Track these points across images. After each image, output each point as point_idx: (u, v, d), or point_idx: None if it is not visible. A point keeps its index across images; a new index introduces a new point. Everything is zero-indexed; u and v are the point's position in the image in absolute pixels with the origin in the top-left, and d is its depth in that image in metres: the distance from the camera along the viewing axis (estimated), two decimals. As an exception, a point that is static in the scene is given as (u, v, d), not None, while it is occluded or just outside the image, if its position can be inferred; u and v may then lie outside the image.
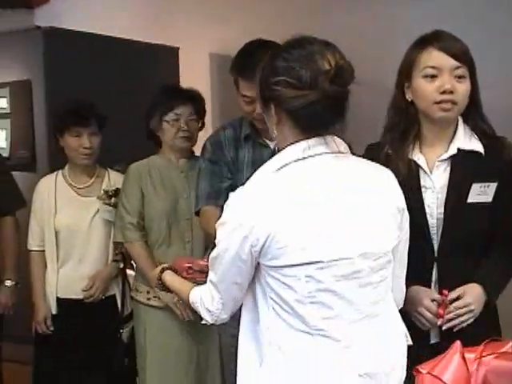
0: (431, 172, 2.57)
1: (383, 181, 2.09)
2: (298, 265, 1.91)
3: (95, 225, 3.65)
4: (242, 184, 2.07)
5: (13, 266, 3.81)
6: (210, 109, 5.86)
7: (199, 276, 2.49)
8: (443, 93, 2.46)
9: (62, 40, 5.15)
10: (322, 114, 1.94)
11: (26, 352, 3.87)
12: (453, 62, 2.48)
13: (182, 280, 2.49)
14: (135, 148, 3.74)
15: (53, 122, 3.74)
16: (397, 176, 2.17)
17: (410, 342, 2.18)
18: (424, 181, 2.57)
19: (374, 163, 2.15)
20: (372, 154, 2.56)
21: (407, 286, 2.31)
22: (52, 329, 3.66)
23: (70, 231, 3.64)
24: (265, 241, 1.92)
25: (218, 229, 2.03)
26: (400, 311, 2.19)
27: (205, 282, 2.19)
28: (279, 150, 2.04)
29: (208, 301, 2.13)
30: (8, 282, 3.78)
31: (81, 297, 3.65)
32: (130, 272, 3.78)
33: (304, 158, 1.97)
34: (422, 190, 2.56)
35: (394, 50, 2.75)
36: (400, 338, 2.12)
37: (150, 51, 5.78)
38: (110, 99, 5.17)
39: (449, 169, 2.56)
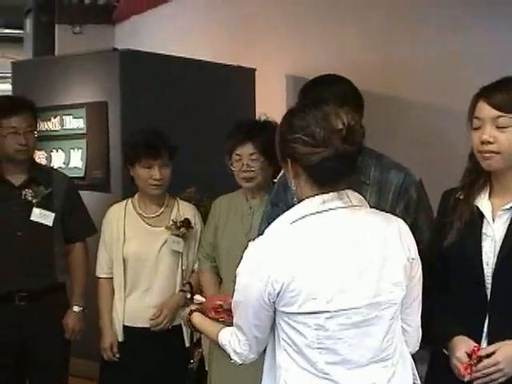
0: (493, 221, 2.50)
1: (394, 233, 2.17)
2: (308, 313, 2.05)
3: (163, 255, 3.62)
4: None
5: (81, 291, 3.83)
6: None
7: (226, 316, 2.53)
8: (482, 143, 2.46)
9: (138, 62, 5.21)
10: (334, 169, 2.09)
11: (94, 368, 3.89)
12: (493, 112, 2.45)
13: (210, 322, 2.56)
14: (209, 171, 3.71)
15: (124, 152, 3.73)
16: (460, 220, 2.27)
17: (419, 382, 2.29)
18: (486, 229, 2.51)
19: (385, 214, 2.26)
20: (444, 197, 2.66)
21: (456, 333, 2.39)
22: (118, 356, 3.65)
23: (138, 260, 3.62)
24: (280, 289, 2.06)
25: (237, 276, 2.18)
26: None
27: (231, 322, 2.31)
28: (298, 202, 2.16)
29: (235, 343, 2.26)
30: (76, 308, 3.80)
31: (147, 325, 3.63)
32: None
33: (319, 212, 2.10)
34: (483, 237, 2.50)
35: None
36: (408, 377, 2.22)
37: (227, 73, 5.79)
38: (186, 121, 5.21)
39: (510, 219, 2.49)
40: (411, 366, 2.26)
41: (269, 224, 3.08)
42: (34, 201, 3.69)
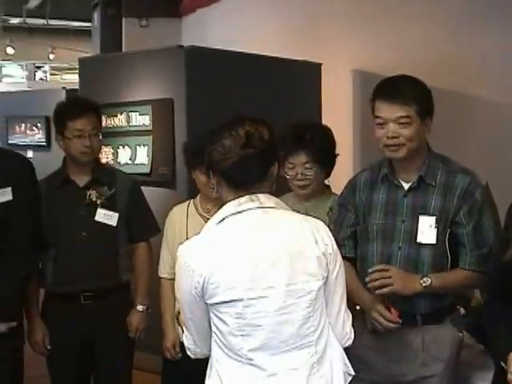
0: None
1: (307, 230, 2.42)
2: (227, 302, 2.31)
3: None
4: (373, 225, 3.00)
5: (145, 291, 3.85)
6: (351, 125, 5.84)
7: None
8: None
9: (203, 59, 5.19)
10: (243, 172, 2.40)
11: (158, 362, 3.90)
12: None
13: None
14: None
15: (184, 157, 3.72)
16: None
17: (352, 373, 2.49)
18: None
19: (300, 215, 2.55)
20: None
21: None
22: (180, 355, 3.66)
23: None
24: (203, 282, 2.32)
25: (176, 274, 2.45)
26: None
27: None
28: (220, 206, 2.46)
29: (185, 339, 2.55)
30: (140, 307, 3.82)
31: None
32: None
33: (235, 213, 2.39)
34: None
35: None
36: (338, 366, 2.44)
37: (292, 67, 5.75)
38: (252, 116, 5.17)
39: None
40: (341, 355, 2.46)
41: (336, 226, 3.13)
42: (98, 201, 3.72)
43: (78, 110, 3.70)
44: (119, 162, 5.48)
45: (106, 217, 3.73)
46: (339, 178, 3.55)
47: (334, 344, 2.45)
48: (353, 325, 2.56)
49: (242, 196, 2.41)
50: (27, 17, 15.48)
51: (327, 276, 2.42)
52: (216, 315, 2.36)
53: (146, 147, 5.34)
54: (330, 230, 2.96)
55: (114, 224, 3.75)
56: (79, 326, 3.68)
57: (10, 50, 15.08)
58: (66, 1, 13.31)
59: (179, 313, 2.71)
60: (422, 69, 4.94)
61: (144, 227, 3.88)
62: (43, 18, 15.33)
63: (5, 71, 19.06)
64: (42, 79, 19.43)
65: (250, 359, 2.33)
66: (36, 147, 10.06)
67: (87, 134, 3.67)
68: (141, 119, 5.37)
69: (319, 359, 2.39)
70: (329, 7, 6.33)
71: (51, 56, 16.00)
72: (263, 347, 2.33)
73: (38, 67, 19.20)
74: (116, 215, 3.75)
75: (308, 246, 2.39)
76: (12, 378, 3.47)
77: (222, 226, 2.40)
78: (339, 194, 3.34)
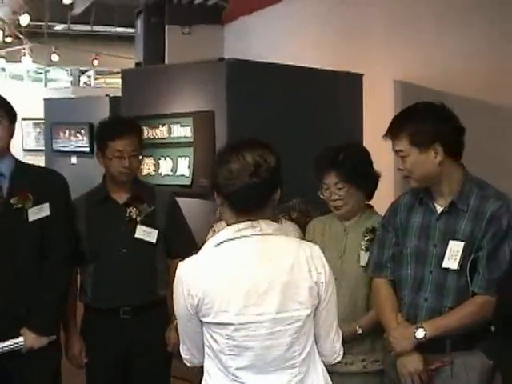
0: None
1: (302, 258, 2.49)
2: (219, 323, 2.44)
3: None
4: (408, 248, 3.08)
5: None
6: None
7: None
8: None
9: (244, 71, 5.21)
10: (246, 198, 2.47)
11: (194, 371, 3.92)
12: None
13: None
14: (314, 181, 3.64)
15: None
16: None
17: None
18: None
19: (299, 241, 2.64)
20: None
21: None
22: None
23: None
24: (198, 301, 2.44)
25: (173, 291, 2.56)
26: None
27: None
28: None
29: (181, 350, 2.66)
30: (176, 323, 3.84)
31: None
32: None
33: (234, 238, 2.47)
34: None
35: None
36: None
37: (334, 79, 5.73)
38: (292, 129, 5.18)
39: None
40: (323, 374, 2.59)
41: (378, 248, 3.13)
42: (138, 218, 3.76)
43: (120, 131, 3.71)
44: (160, 174, 5.51)
45: (146, 234, 3.77)
46: (380, 192, 3.55)
47: (318, 365, 2.60)
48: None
49: (242, 221, 2.49)
50: (72, 23, 15.66)
51: (318, 303, 2.53)
52: (208, 333, 2.50)
53: (187, 159, 5.37)
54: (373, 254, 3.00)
55: (154, 241, 3.78)
56: (118, 340, 3.72)
57: (54, 57, 15.24)
58: (110, 8, 13.43)
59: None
60: (464, 80, 4.91)
61: (182, 244, 3.89)
62: (88, 24, 15.48)
63: (50, 76, 19.27)
64: (86, 83, 19.61)
65: (237, 377, 2.47)
66: (79, 153, 10.16)
67: (127, 155, 3.69)
68: (182, 131, 5.40)
69: (302, 379, 2.52)
70: (370, 18, 6.31)
71: (95, 62, 16.14)
72: (250, 367, 2.47)
73: (83, 72, 19.38)
74: (155, 232, 3.78)
75: (301, 275, 2.48)
76: None
77: (220, 249, 2.49)
78: (383, 214, 3.35)
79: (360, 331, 3.35)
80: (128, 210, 3.75)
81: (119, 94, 6.48)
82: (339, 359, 2.69)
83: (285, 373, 2.49)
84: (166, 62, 9.09)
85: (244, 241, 2.48)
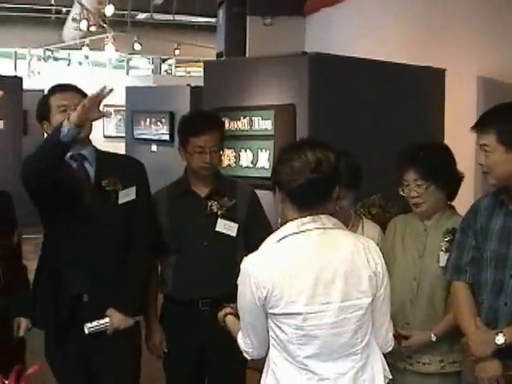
0: None
1: (361, 250, 2.64)
2: (288, 314, 2.55)
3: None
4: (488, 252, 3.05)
5: None
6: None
7: None
8: None
9: (327, 65, 5.21)
10: (308, 194, 2.60)
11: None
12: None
13: (237, 323, 2.94)
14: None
15: None
16: None
17: (390, 376, 2.76)
18: None
19: (356, 235, 2.89)
20: None
21: None
22: None
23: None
24: (266, 293, 2.55)
25: (238, 285, 2.67)
26: None
27: None
28: (282, 224, 2.65)
29: (242, 343, 2.78)
30: None
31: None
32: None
33: (297, 232, 2.59)
34: None
35: None
36: (378, 371, 2.70)
37: (415, 74, 5.68)
38: (373, 124, 5.17)
39: None
40: (381, 361, 2.72)
41: (458, 251, 3.12)
42: (219, 212, 3.80)
43: (202, 127, 3.75)
44: (241, 165, 5.57)
45: (226, 227, 3.81)
46: (459, 193, 3.53)
47: (376, 351, 2.72)
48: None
49: (304, 216, 2.61)
50: (154, 12, 15.88)
51: (375, 293, 2.65)
52: (275, 324, 2.61)
53: (268, 151, 5.40)
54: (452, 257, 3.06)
55: (234, 234, 3.82)
56: (195, 332, 3.78)
57: (137, 46, 15.47)
58: (192, -3, 13.57)
59: (225, 315, 3.12)
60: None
61: (261, 238, 3.94)
62: (169, 13, 15.67)
63: (131, 63, 19.59)
64: (166, 72, 19.87)
65: (306, 365, 2.60)
66: (160, 142, 10.31)
67: (208, 150, 3.72)
68: (263, 124, 5.44)
69: (363, 365, 2.65)
70: (453, 12, 6.23)
71: (176, 52, 16.33)
72: (317, 355, 2.59)
73: (164, 60, 19.64)
74: (236, 226, 3.82)
75: (361, 265, 2.62)
76: (134, 370, 3.72)
77: (283, 243, 2.60)
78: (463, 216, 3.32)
79: (434, 339, 3.35)
80: (209, 204, 3.80)
81: (200, 83, 6.55)
82: (390, 349, 2.82)
83: (348, 359, 2.62)
84: (247, 52, 9.14)
85: (307, 234, 2.59)
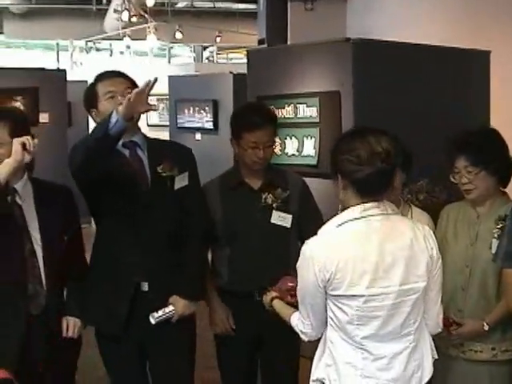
0: None
1: (420, 235, 2.75)
2: (350, 296, 2.66)
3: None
4: None
5: None
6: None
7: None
8: None
9: (371, 51, 5.19)
10: (375, 183, 2.69)
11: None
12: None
13: (286, 306, 3.16)
14: (442, 161, 3.63)
15: None
16: None
17: (436, 356, 2.88)
18: None
19: (412, 220, 3.01)
20: None
21: None
22: None
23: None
24: (330, 275, 2.66)
25: (298, 269, 2.79)
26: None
27: None
28: (343, 210, 2.75)
29: (300, 324, 2.88)
30: None
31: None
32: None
33: (360, 217, 2.69)
34: None
35: None
36: (427, 351, 2.83)
37: (460, 57, 5.62)
38: (418, 109, 5.15)
39: None
40: (429, 342, 2.85)
41: (508, 239, 3.12)
42: (274, 204, 3.82)
43: (256, 123, 3.74)
44: (286, 153, 5.57)
45: (281, 219, 3.83)
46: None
47: (426, 333, 2.85)
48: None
49: (366, 202, 2.71)
50: (194, 0, 15.92)
51: (429, 276, 2.77)
52: (336, 305, 2.72)
53: (313, 139, 5.40)
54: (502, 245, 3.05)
55: (288, 226, 3.84)
56: (251, 322, 3.82)
57: (178, 35, 15.54)
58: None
59: (272, 299, 3.25)
60: None
61: (314, 228, 3.96)
62: (210, 0, 15.69)
63: (173, 52, 19.67)
64: (208, 59, 19.91)
65: (362, 345, 2.72)
66: (203, 130, 10.36)
67: (262, 146, 3.73)
68: (308, 111, 5.44)
69: (414, 346, 2.78)
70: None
71: (218, 39, 16.36)
72: (374, 336, 2.71)
73: (205, 47, 19.67)
74: (290, 217, 3.84)
75: (419, 250, 2.74)
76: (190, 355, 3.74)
77: (344, 228, 2.71)
78: None
79: (487, 328, 3.35)
80: (263, 196, 3.81)
81: (242, 69, 6.56)
82: (440, 330, 2.96)
83: (402, 340, 2.75)
84: (289, 38, 9.11)
85: (369, 219, 2.70)
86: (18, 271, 3.43)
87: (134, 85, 3.53)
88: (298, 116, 5.50)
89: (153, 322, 3.45)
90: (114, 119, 3.12)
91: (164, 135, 10.95)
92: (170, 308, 3.51)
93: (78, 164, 3.33)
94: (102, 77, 3.62)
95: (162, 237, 3.54)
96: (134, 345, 3.59)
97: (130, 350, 3.59)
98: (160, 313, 3.46)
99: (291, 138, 5.58)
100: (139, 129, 3.65)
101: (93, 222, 3.76)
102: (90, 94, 3.60)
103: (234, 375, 3.97)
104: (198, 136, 10.44)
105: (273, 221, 3.82)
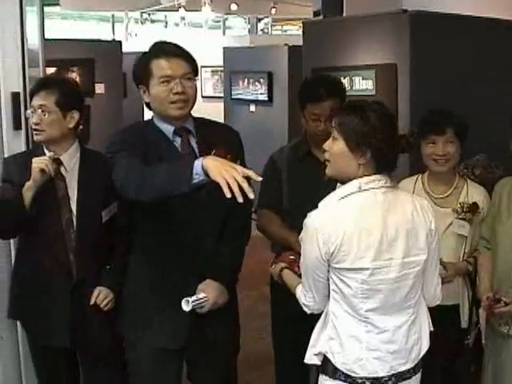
0: None
1: (417, 207, 2.79)
2: (355, 269, 2.67)
3: (447, 236, 3.62)
4: None
5: None
6: None
7: None
8: None
9: (428, 23, 5.12)
10: (395, 162, 2.76)
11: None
12: None
13: (295, 277, 3.10)
14: (497, 136, 3.59)
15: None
16: None
17: (431, 328, 2.91)
18: None
19: (411, 194, 3.06)
20: None
21: None
22: None
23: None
24: (334, 248, 2.66)
25: (301, 242, 2.80)
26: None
27: None
28: (343, 183, 2.76)
29: (302, 297, 2.88)
30: None
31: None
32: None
33: (363, 190, 2.71)
34: None
35: None
36: (425, 324, 2.88)
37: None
38: (476, 83, 5.08)
39: None
40: (427, 314, 2.91)
41: None
42: None
43: (318, 95, 3.69)
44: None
45: None
46: None
47: (423, 305, 2.89)
48: None
49: (369, 175, 2.72)
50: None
51: (429, 249, 2.80)
52: (340, 278, 2.73)
53: (368, 112, 5.36)
54: None
55: None
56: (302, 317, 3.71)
57: (233, 7, 15.51)
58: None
59: (281, 270, 3.20)
60: None
61: None
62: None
63: (227, 23, 19.63)
64: (262, 31, 19.84)
65: (367, 318, 2.73)
66: (258, 102, 10.35)
67: (323, 119, 3.66)
68: (364, 83, 5.41)
69: (414, 319, 2.81)
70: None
71: (273, 11, 16.29)
72: (377, 308, 2.73)
73: (260, 19, 19.60)
74: None
75: (419, 223, 2.77)
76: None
77: (348, 200, 2.72)
78: None
79: None
80: None
81: (296, 42, 6.51)
82: (438, 302, 2.97)
83: (403, 313, 2.78)
84: (345, 9, 9.02)
85: (373, 192, 2.71)
86: (54, 245, 3.48)
87: (193, 69, 3.25)
88: (354, 88, 5.48)
89: (187, 308, 3.16)
90: (198, 175, 2.75)
91: (218, 106, 10.99)
92: (203, 294, 3.22)
93: (140, 198, 2.99)
94: (160, 54, 3.20)
95: (209, 224, 3.32)
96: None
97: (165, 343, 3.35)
98: (193, 298, 3.17)
99: (346, 111, 5.53)
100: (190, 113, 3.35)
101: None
102: (143, 69, 3.22)
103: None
104: (253, 108, 10.44)
105: None
